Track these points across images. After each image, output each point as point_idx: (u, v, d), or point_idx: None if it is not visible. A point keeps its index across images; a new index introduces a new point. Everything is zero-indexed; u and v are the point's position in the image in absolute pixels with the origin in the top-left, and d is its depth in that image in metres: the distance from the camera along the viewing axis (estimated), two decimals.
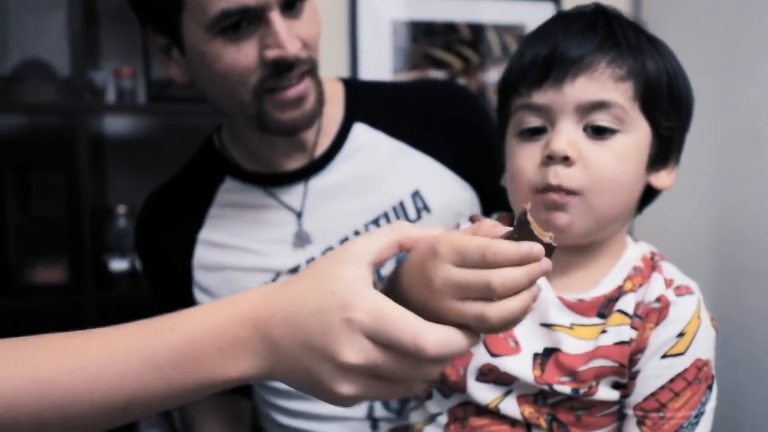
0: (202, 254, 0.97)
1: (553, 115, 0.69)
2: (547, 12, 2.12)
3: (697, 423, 0.67)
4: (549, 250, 0.50)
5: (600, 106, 0.68)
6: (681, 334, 0.67)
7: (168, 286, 1.01)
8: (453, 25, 2.07)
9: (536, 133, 0.71)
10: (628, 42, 0.70)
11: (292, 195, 0.96)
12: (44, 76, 1.69)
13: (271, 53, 0.82)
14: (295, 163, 0.96)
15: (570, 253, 0.72)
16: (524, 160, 0.71)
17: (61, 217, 1.67)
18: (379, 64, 2.02)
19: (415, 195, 0.96)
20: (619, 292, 0.71)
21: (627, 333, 0.68)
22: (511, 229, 0.51)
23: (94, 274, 1.63)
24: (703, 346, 0.68)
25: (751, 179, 1.68)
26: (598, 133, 0.68)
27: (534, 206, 0.66)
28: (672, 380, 0.67)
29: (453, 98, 1.02)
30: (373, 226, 0.95)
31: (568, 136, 0.67)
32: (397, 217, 0.96)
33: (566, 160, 0.67)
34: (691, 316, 0.68)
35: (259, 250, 0.96)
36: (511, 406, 0.70)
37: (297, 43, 0.83)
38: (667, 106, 0.71)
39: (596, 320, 0.70)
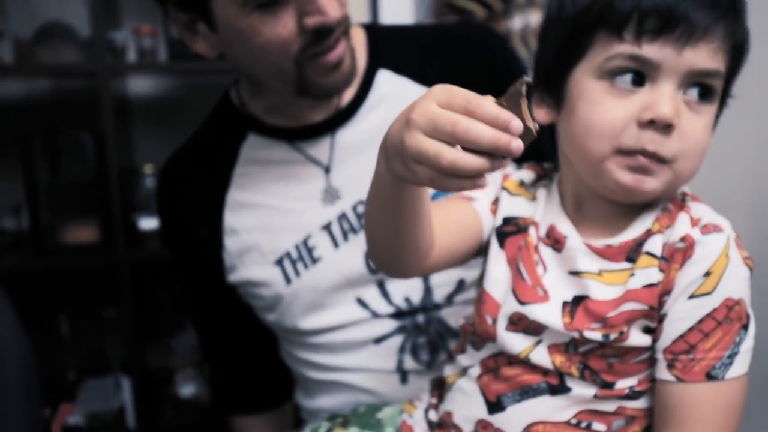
0: (231, 216, 0.97)
1: (660, 73, 0.65)
2: None
3: (730, 363, 0.65)
4: (527, 134, 0.50)
5: (709, 74, 0.65)
6: (708, 273, 0.65)
7: (194, 250, 1.01)
8: None
9: (629, 83, 0.66)
10: (741, 10, 0.67)
11: (319, 148, 0.95)
12: (65, 38, 1.68)
13: (312, 20, 0.80)
14: (320, 114, 0.95)
15: (601, 201, 0.71)
16: (611, 112, 0.66)
17: (89, 178, 1.68)
18: (401, 13, 1.97)
19: None
20: (648, 235, 0.69)
21: (655, 275, 0.67)
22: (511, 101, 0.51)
23: (124, 233, 1.65)
24: (734, 285, 0.65)
25: None
26: (701, 97, 0.66)
27: (614, 162, 0.66)
28: (701, 321, 0.65)
29: (481, 42, 0.98)
30: None
31: (674, 101, 0.64)
32: None
33: (668, 128, 0.64)
34: (719, 254, 0.65)
35: (289, 207, 0.95)
36: (542, 356, 0.70)
37: (335, 6, 0.81)
38: (734, 80, 0.70)
39: (625, 265, 0.69)
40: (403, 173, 0.56)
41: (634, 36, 0.64)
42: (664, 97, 0.64)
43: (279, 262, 0.95)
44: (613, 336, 0.67)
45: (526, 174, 0.81)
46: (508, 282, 0.75)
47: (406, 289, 0.94)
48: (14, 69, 1.70)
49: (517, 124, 0.49)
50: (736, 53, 0.68)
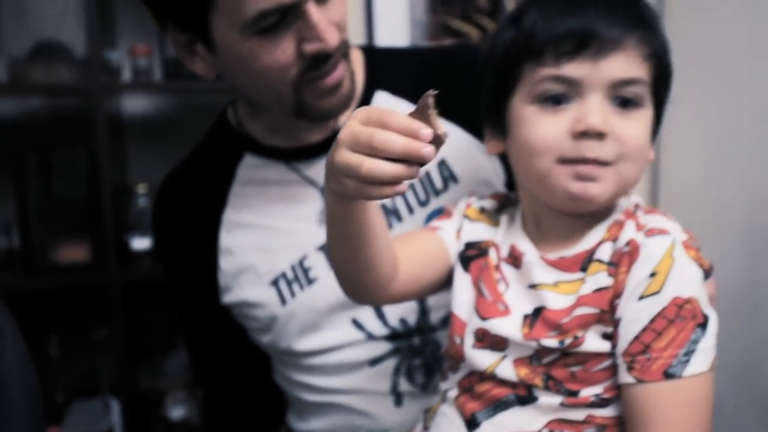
0: (226, 236, 0.96)
1: (584, 88, 0.71)
2: None
3: (687, 361, 0.66)
4: (437, 141, 0.56)
5: (630, 82, 0.71)
6: (653, 274, 0.67)
7: (189, 271, 1.00)
8: None
9: (558, 102, 0.72)
10: (653, 21, 0.73)
11: (316, 169, 0.95)
12: (61, 57, 1.68)
13: (311, 47, 0.81)
14: (318, 135, 0.95)
15: (557, 216, 0.75)
16: (548, 130, 0.71)
17: (82, 197, 1.67)
18: (396, 36, 1.99)
19: (441, 164, 0.95)
20: (599, 245, 0.73)
21: (604, 280, 0.70)
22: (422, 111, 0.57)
23: (116, 252, 1.64)
24: (682, 284, 0.67)
25: None
26: (624, 105, 0.71)
27: (559, 175, 0.70)
28: (652, 320, 0.67)
29: (476, 64, 0.99)
30: (399, 198, 0.94)
31: (601, 111, 0.70)
32: (423, 188, 0.94)
33: (600, 136, 0.69)
34: (662, 255, 0.68)
35: (285, 228, 0.94)
36: (507, 369, 0.73)
37: (335, 33, 0.81)
38: (667, 85, 0.75)
39: (579, 275, 0.72)
40: (337, 188, 0.61)
41: (554, 59, 0.71)
42: (592, 109, 0.70)
43: (274, 283, 0.94)
44: (568, 341, 0.70)
45: (488, 202, 0.85)
46: (472, 302, 0.78)
47: (402, 311, 0.93)
48: (8, 87, 1.69)
49: (426, 132, 0.55)
50: (658, 60, 0.73)
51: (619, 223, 0.73)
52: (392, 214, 0.94)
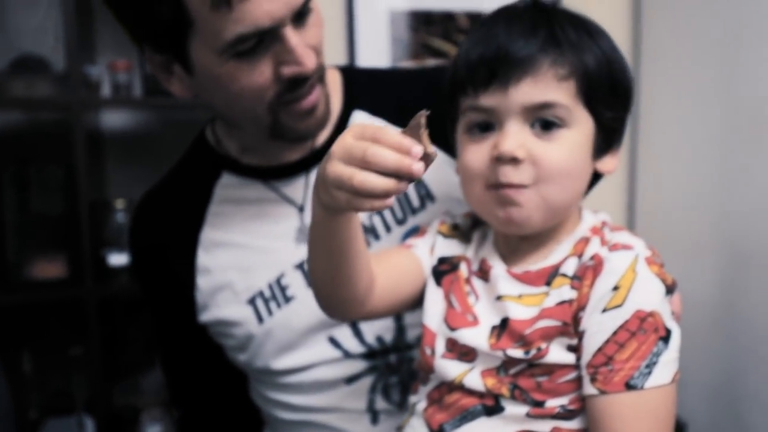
0: (204, 255, 0.96)
1: (500, 116, 0.73)
2: None
3: (649, 373, 0.67)
4: (427, 158, 0.59)
5: (544, 106, 0.71)
6: (616, 287, 0.69)
7: (166, 289, 0.99)
8: (451, 14, 2.06)
9: (485, 130, 0.74)
10: (568, 40, 0.73)
11: (294, 188, 0.95)
12: (40, 72, 1.68)
13: (288, 70, 0.81)
14: (295, 154, 0.95)
15: (523, 237, 0.77)
16: (474, 157, 0.74)
17: (59, 212, 1.66)
18: (378, 55, 2.00)
19: (418, 183, 0.95)
20: (565, 260, 0.74)
21: (567, 293, 0.71)
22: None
23: (93, 268, 1.62)
24: (644, 298, 0.68)
25: (756, 171, 1.68)
26: (545, 128, 0.72)
27: (488, 201, 0.73)
28: (615, 333, 0.68)
29: None
30: (376, 216, 0.94)
31: (515, 137, 0.71)
32: (401, 207, 0.95)
33: (514, 161, 0.71)
34: (625, 269, 0.69)
35: (263, 246, 0.94)
36: (475, 380, 0.74)
37: (312, 56, 0.82)
38: (609, 97, 0.75)
39: (543, 288, 0.74)
40: (327, 200, 0.63)
41: (473, 90, 0.74)
42: (505, 135, 0.72)
43: (251, 301, 0.94)
44: (532, 352, 0.71)
45: (461, 219, 0.87)
46: (443, 313, 0.80)
47: (379, 329, 0.93)
48: None
49: (417, 149, 0.57)
50: (583, 77, 0.72)
51: (585, 239, 0.75)
52: (370, 232, 0.94)
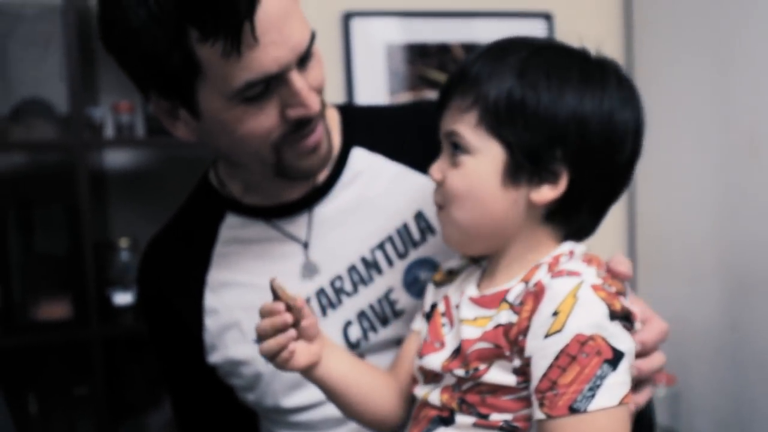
0: (211, 296, 0.97)
1: (441, 140, 0.82)
2: (540, 28, 2.14)
3: (592, 396, 0.67)
4: (295, 308, 0.75)
5: (450, 134, 0.79)
6: (555, 313, 0.69)
7: (174, 332, 1.00)
8: (446, 45, 2.09)
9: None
10: (475, 74, 0.78)
11: (297, 225, 0.96)
12: (44, 114, 1.70)
13: (294, 112, 0.83)
14: (297, 192, 0.96)
15: (489, 260, 0.83)
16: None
17: (63, 253, 1.67)
18: (375, 87, 2.03)
19: (419, 217, 0.96)
20: (515, 286, 0.76)
21: (506, 317, 0.74)
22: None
23: (98, 308, 1.63)
24: (583, 322, 0.68)
25: (755, 191, 1.69)
26: (453, 154, 0.79)
27: None
28: (557, 357, 0.69)
29: None
30: (378, 251, 0.95)
31: (441, 162, 0.81)
32: (402, 241, 0.96)
33: (439, 184, 0.81)
34: (565, 295, 0.70)
35: (268, 285, 0.95)
36: (435, 397, 0.80)
37: (316, 98, 0.84)
38: (519, 125, 0.75)
39: (493, 312, 0.76)
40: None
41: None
42: (437, 159, 0.81)
43: (259, 340, 0.94)
44: (470, 371, 0.75)
45: (459, 262, 0.89)
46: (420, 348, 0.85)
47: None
48: None
49: (279, 307, 0.74)
50: (486, 104, 0.76)
51: (538, 266, 0.76)
52: (372, 267, 0.95)
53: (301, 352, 0.77)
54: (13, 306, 1.64)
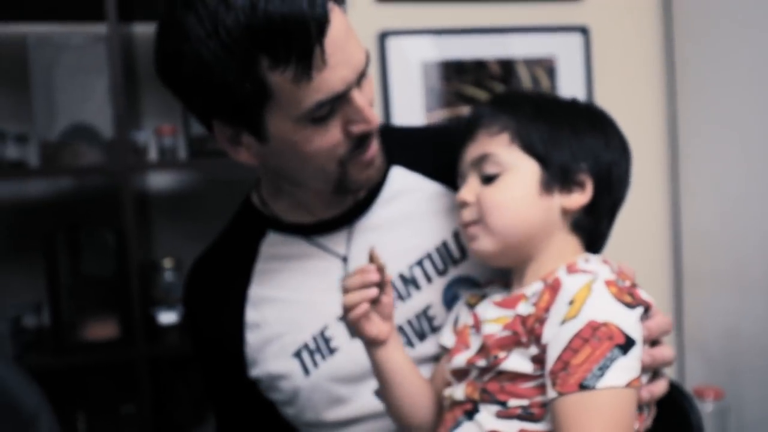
0: (252, 311, 0.98)
1: (465, 170, 0.89)
2: (576, 43, 2.13)
3: (602, 375, 0.72)
4: (382, 271, 0.82)
5: (483, 158, 0.86)
6: (571, 302, 0.76)
7: (217, 348, 1.02)
8: (482, 61, 2.09)
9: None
10: (495, 110, 0.88)
11: (336, 241, 0.97)
12: (89, 139, 1.75)
13: (358, 128, 0.85)
14: (337, 210, 0.98)
15: (515, 271, 0.89)
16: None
17: (110, 274, 1.70)
18: (412, 105, 2.04)
19: (457, 235, 0.97)
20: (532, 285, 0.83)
21: (524, 309, 0.80)
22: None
23: (143, 328, 1.66)
24: (597, 310, 0.75)
25: None
26: (487, 181, 0.86)
27: (465, 238, 0.90)
28: (570, 341, 0.74)
29: None
30: (417, 267, 0.96)
31: (471, 186, 0.87)
32: (441, 258, 0.97)
33: (465, 205, 0.87)
34: (580, 287, 0.77)
35: (308, 299, 0.96)
36: (459, 392, 0.85)
37: (374, 113, 0.86)
38: (549, 144, 0.85)
39: (513, 311, 0.82)
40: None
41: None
42: (464, 186, 0.88)
43: (297, 354, 0.95)
44: (491, 359, 0.81)
45: (491, 288, 0.93)
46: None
47: None
48: (40, 171, 1.76)
49: (369, 267, 0.83)
50: (518, 128, 0.86)
51: (555, 269, 0.83)
52: (411, 283, 0.96)
53: (374, 323, 0.83)
54: (62, 327, 1.68)
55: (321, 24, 0.77)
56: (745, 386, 1.89)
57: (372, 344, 0.85)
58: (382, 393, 0.89)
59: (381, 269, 0.82)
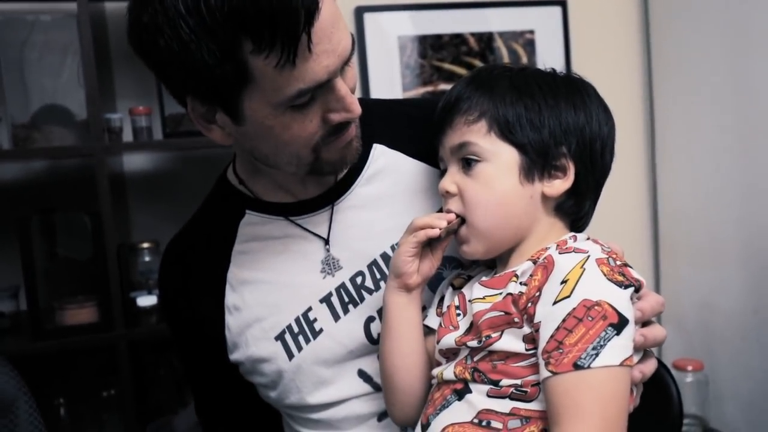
0: (232, 294, 0.97)
1: (445, 157, 0.88)
2: (555, 17, 2.12)
3: (596, 354, 0.72)
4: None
5: (462, 146, 0.85)
6: (564, 281, 0.75)
7: (196, 332, 1.00)
8: (460, 36, 2.08)
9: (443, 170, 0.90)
10: (472, 93, 0.86)
11: (317, 222, 0.96)
12: (62, 120, 1.72)
13: (338, 117, 0.83)
14: (318, 189, 0.96)
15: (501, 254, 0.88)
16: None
17: (87, 257, 1.68)
18: (390, 81, 2.03)
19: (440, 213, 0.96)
20: (522, 264, 0.83)
21: (516, 288, 0.79)
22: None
23: (122, 311, 1.64)
24: (591, 289, 0.74)
25: None
26: (467, 166, 0.84)
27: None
28: (564, 320, 0.74)
29: None
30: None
31: (452, 174, 0.86)
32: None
33: (449, 194, 0.86)
34: (573, 266, 0.76)
35: (289, 281, 0.95)
36: (449, 372, 0.83)
37: (356, 102, 0.84)
38: (527, 127, 0.84)
39: (502, 289, 0.82)
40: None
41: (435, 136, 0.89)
42: (446, 174, 0.87)
43: (280, 337, 0.95)
44: (483, 339, 0.80)
45: (476, 269, 0.93)
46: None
47: None
48: (12, 153, 1.72)
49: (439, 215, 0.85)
50: (496, 114, 0.84)
51: (546, 248, 0.82)
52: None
53: (415, 263, 0.86)
54: (40, 312, 1.66)
55: (310, 12, 0.74)
56: (720, 357, 1.92)
57: (399, 283, 0.86)
58: (382, 343, 0.89)
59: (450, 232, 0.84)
